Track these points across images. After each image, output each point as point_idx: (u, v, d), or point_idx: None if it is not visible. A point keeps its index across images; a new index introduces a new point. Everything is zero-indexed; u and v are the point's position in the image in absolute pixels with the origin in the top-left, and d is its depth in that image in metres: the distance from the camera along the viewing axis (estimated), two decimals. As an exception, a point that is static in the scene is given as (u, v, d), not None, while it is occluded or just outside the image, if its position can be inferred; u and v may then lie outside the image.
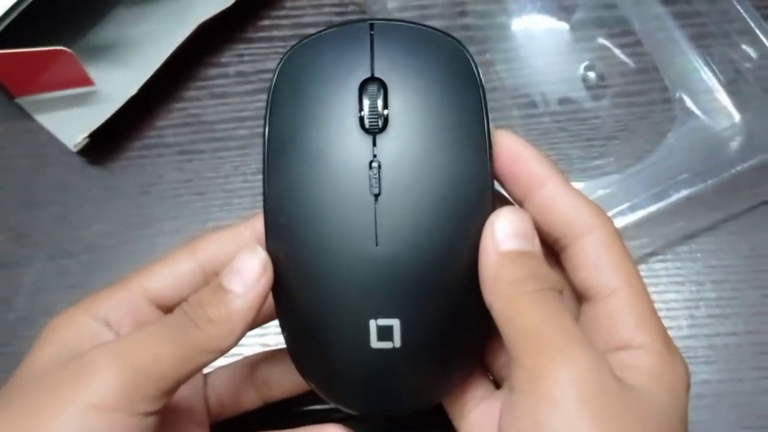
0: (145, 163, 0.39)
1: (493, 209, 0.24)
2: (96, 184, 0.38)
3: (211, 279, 0.26)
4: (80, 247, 0.37)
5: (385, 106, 0.24)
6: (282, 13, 0.41)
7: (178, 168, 0.38)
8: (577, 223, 0.24)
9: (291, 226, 0.24)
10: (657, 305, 0.34)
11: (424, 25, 0.25)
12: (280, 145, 0.24)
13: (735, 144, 0.37)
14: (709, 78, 0.39)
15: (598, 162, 0.37)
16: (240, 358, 0.30)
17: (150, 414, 0.23)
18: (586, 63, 0.39)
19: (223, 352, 0.23)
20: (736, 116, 0.38)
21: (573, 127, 0.38)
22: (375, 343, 0.24)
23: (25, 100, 0.38)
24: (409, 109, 0.24)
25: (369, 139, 0.23)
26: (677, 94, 0.38)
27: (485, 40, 0.39)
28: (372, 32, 0.24)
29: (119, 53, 0.39)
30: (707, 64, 0.39)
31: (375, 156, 0.23)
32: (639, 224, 0.35)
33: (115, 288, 0.26)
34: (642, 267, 0.36)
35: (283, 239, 0.24)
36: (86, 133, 0.36)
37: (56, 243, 0.37)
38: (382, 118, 0.24)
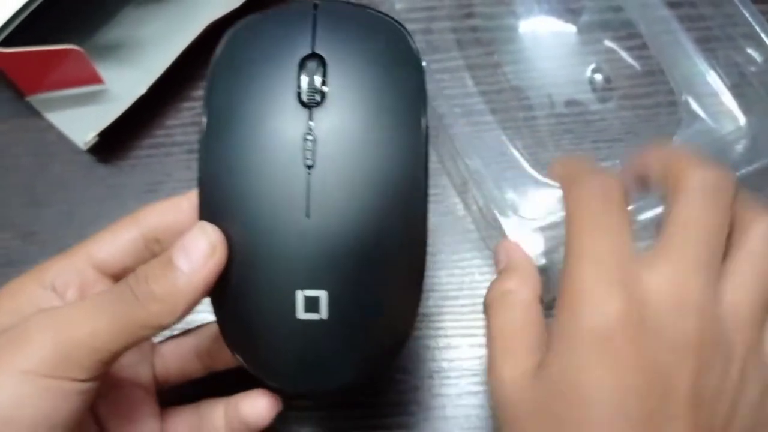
0: (153, 161, 0.39)
1: (426, 189, 0.24)
2: (103, 182, 0.39)
3: (152, 246, 0.28)
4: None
5: (324, 82, 0.24)
6: (290, 13, 0.41)
7: (187, 167, 0.39)
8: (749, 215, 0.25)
9: (224, 198, 0.24)
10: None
11: (368, 7, 0.26)
12: (217, 120, 0.24)
13: (740, 147, 0.37)
14: (714, 81, 0.39)
15: (603, 164, 0.38)
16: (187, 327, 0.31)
17: (86, 381, 0.23)
18: (592, 65, 0.39)
19: (163, 328, 0.24)
20: (742, 119, 0.38)
21: (579, 129, 0.38)
22: (301, 314, 0.24)
23: (35, 99, 0.38)
24: (347, 86, 0.24)
25: (306, 113, 0.24)
26: (683, 97, 0.38)
27: (492, 41, 0.40)
28: (315, 12, 0.25)
29: (129, 53, 0.39)
30: (712, 67, 0.39)
31: (311, 129, 0.24)
32: (645, 226, 0.35)
33: (62, 256, 0.27)
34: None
35: (216, 211, 0.24)
36: (96, 132, 0.36)
37: (63, 241, 0.37)
38: (320, 93, 0.24)
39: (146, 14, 0.39)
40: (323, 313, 0.24)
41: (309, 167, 0.23)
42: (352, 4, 0.26)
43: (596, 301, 0.22)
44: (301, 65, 0.24)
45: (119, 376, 0.28)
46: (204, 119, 0.24)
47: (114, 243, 0.28)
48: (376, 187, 0.24)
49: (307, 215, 0.23)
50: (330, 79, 0.24)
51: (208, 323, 0.30)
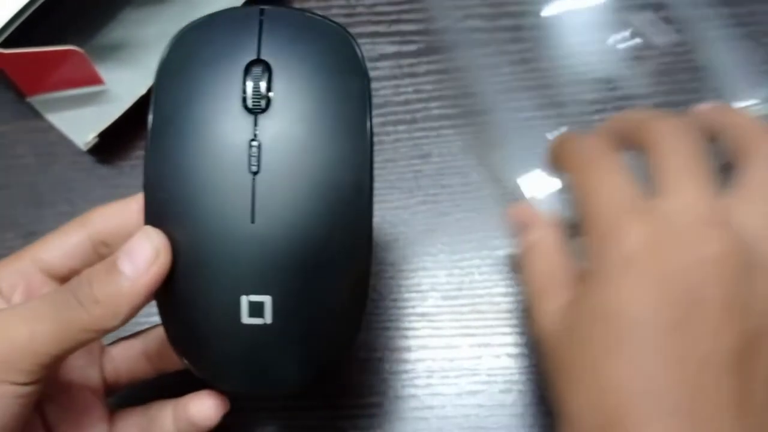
0: (154, 162, 0.39)
1: (371, 193, 0.25)
2: (105, 183, 0.39)
3: (100, 249, 0.28)
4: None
5: (269, 88, 0.24)
6: (290, 14, 0.41)
7: (187, 167, 0.39)
8: None
9: (169, 202, 0.24)
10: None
11: (315, 13, 0.26)
12: (163, 124, 0.24)
13: None
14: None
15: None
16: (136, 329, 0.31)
17: (26, 384, 0.23)
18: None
19: (106, 332, 0.24)
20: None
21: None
22: (246, 319, 0.24)
23: (36, 99, 0.38)
24: (292, 92, 0.24)
25: (251, 118, 0.24)
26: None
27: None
28: (262, 17, 0.25)
29: (129, 53, 0.39)
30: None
31: (256, 135, 0.24)
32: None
33: (9, 259, 0.28)
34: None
35: (161, 216, 0.24)
36: (96, 132, 0.36)
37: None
38: (265, 99, 0.24)
39: (147, 15, 0.40)
40: (267, 318, 0.24)
41: (254, 173, 0.23)
42: (299, 10, 0.26)
43: (621, 227, 0.24)
44: (247, 70, 0.24)
45: (67, 378, 0.28)
46: (150, 119, 0.25)
47: (61, 245, 0.27)
48: (321, 193, 0.24)
49: (252, 221, 0.23)
50: (275, 84, 0.24)
51: (157, 325, 0.30)
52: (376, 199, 0.25)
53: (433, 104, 0.39)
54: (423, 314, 0.36)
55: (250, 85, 0.24)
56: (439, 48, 0.40)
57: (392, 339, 0.36)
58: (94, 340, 0.24)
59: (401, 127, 0.39)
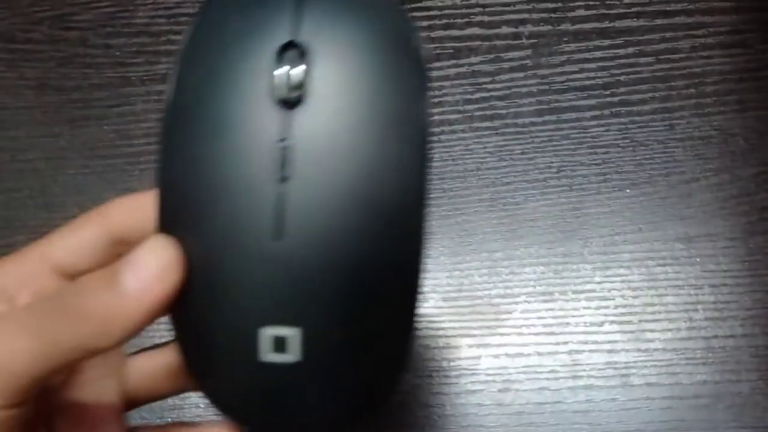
0: (162, 166, 0.40)
1: (426, 204, 0.20)
2: (114, 187, 0.39)
3: (119, 248, 0.23)
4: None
5: (306, 76, 0.19)
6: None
7: (194, 172, 0.39)
8: None
9: (182, 208, 0.20)
10: (657, 308, 0.36)
11: None
12: (179, 115, 0.20)
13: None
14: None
15: (599, 171, 0.38)
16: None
17: (7, 408, 0.19)
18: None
19: (98, 352, 0.20)
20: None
21: (575, 135, 0.39)
22: (267, 356, 0.20)
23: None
24: (334, 83, 0.20)
25: (282, 114, 0.19)
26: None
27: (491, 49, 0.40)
28: None
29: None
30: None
31: (287, 134, 0.19)
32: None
33: (16, 255, 0.24)
34: (642, 271, 0.37)
35: (174, 223, 0.20)
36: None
37: (75, 243, 0.39)
38: (300, 90, 0.19)
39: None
40: (295, 354, 0.19)
41: (283, 180, 0.19)
42: None
43: None
44: (280, 55, 0.19)
45: (80, 391, 0.24)
46: (167, 105, 0.20)
47: (74, 242, 0.23)
48: (365, 205, 0.19)
49: (278, 237, 0.19)
50: (313, 73, 0.19)
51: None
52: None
53: (435, 110, 0.40)
54: (424, 315, 0.37)
55: (282, 72, 0.19)
56: (440, 55, 0.41)
57: (393, 339, 0.36)
58: (82, 360, 0.20)
59: (403, 133, 0.39)
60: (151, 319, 0.19)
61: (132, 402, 0.26)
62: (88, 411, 0.24)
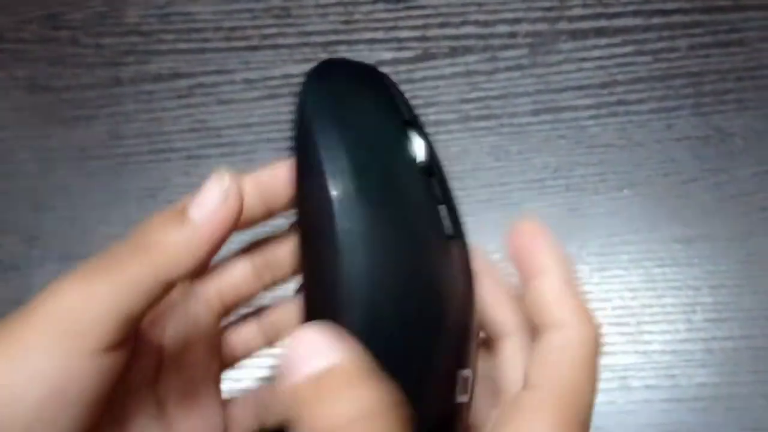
0: (153, 167, 0.39)
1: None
2: (105, 187, 0.39)
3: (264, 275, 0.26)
4: (90, 249, 0.37)
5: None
6: (288, 21, 0.42)
7: (185, 172, 0.39)
8: (551, 318, 0.22)
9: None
10: (655, 309, 0.36)
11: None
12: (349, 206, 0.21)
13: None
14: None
15: (596, 170, 0.38)
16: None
17: (107, 350, 0.21)
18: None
19: (173, 284, 0.21)
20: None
21: (573, 135, 0.39)
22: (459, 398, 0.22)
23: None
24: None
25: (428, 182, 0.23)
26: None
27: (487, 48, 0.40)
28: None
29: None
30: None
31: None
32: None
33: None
34: (640, 272, 0.37)
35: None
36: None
37: (66, 245, 0.38)
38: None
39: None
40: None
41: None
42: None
43: None
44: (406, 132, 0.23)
45: (181, 353, 0.26)
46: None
47: (229, 278, 0.26)
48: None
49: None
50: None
51: (281, 300, 0.28)
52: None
53: (431, 110, 0.39)
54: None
55: (421, 146, 0.22)
56: (436, 54, 0.40)
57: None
58: (157, 295, 0.21)
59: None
60: (217, 246, 0.22)
61: (228, 362, 0.27)
62: (187, 373, 0.26)
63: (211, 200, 0.21)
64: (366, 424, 0.18)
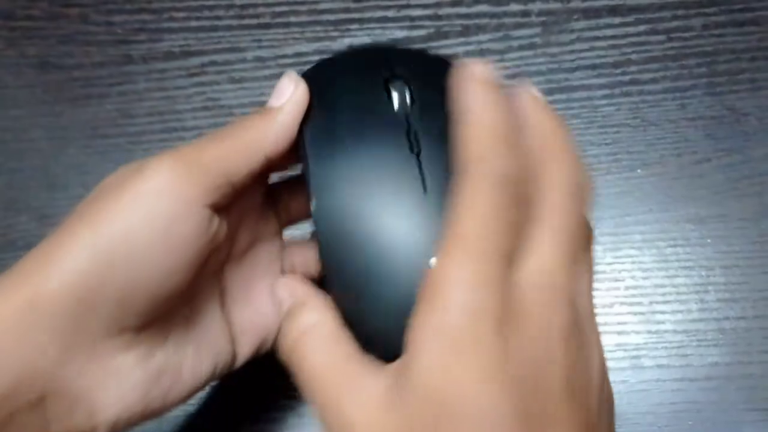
0: (165, 146, 0.39)
1: None
2: (116, 166, 0.38)
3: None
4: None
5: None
6: (299, -1, 0.42)
7: (198, 151, 0.39)
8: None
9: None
10: (667, 289, 0.36)
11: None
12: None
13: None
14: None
15: (607, 150, 0.38)
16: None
17: (209, 206, 0.24)
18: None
19: (267, 156, 0.26)
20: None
21: (586, 114, 0.39)
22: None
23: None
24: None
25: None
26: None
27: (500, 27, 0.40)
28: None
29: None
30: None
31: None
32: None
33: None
34: (653, 252, 0.37)
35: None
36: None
37: (78, 224, 0.38)
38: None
39: None
40: None
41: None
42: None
43: (457, 293, 0.20)
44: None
45: (245, 250, 0.29)
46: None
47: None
48: None
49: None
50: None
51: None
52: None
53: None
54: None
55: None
56: (448, 33, 0.40)
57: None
58: (257, 164, 0.25)
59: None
60: (293, 130, 0.26)
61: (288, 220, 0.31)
62: (251, 280, 0.29)
63: (286, 88, 0.26)
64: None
